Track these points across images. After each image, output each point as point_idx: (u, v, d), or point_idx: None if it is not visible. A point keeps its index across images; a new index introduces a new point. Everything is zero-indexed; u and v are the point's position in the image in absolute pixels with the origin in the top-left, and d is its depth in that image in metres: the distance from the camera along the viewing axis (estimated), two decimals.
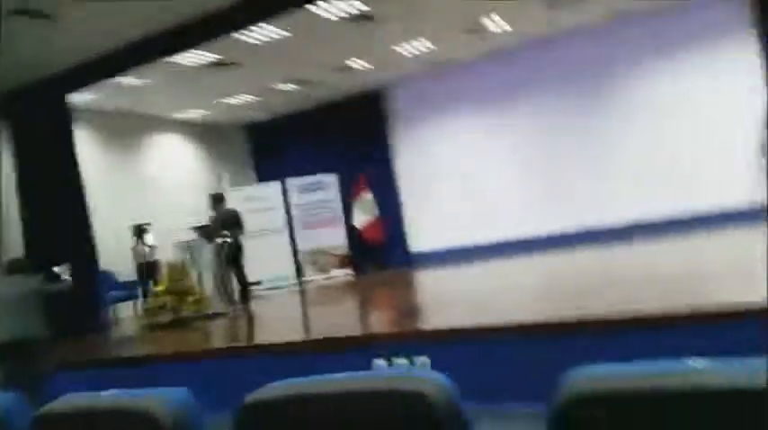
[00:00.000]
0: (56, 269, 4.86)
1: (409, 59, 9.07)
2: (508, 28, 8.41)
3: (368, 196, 10.51)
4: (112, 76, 7.34)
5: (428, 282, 8.37)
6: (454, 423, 0.99)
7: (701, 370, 0.81)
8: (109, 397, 1.24)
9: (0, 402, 1.40)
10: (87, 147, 8.56)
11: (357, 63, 9.02)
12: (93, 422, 1.21)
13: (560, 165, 9.30)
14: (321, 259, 10.31)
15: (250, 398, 1.10)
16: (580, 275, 6.13)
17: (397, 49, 8.61)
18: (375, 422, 0.99)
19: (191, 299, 6.59)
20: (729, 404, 0.77)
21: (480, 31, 8.38)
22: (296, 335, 4.76)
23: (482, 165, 9.87)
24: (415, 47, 8.66)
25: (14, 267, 4.65)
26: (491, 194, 9.73)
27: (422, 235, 10.37)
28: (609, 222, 8.70)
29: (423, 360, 3.84)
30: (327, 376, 1.08)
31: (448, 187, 10.10)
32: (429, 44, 8.64)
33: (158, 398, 1.18)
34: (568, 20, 8.44)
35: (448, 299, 6.03)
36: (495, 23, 8.24)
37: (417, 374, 1.05)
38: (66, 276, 4.87)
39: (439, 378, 1.03)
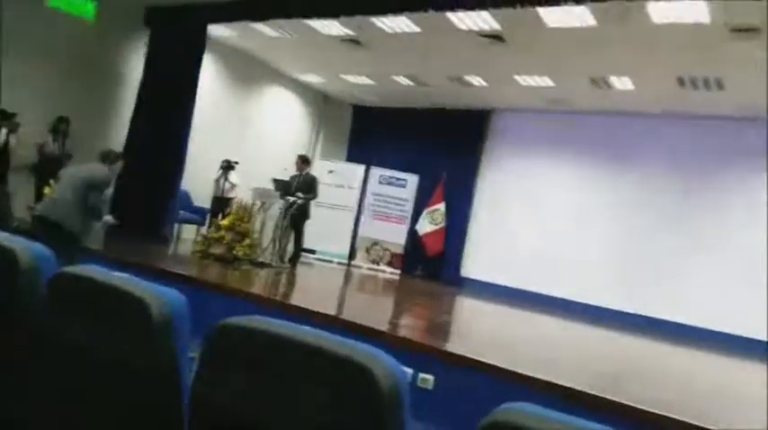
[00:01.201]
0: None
1: (525, 89, 9.00)
2: (632, 88, 8.14)
3: (440, 206, 10.53)
4: (255, 20, 7.79)
5: (466, 308, 8.29)
6: (392, 409, 1.03)
7: None
8: (119, 278, 1.39)
9: (36, 251, 1.60)
10: (209, 77, 9.17)
11: (474, 79, 9.05)
12: (98, 291, 1.37)
13: (647, 244, 8.90)
14: (375, 250, 10.47)
15: (225, 321, 1.20)
16: (618, 359, 5.87)
17: (517, 77, 8.56)
18: (318, 378, 1.06)
19: (246, 242, 6.91)
20: None
21: (605, 85, 8.18)
22: (327, 308, 4.88)
23: (564, 216, 9.61)
24: (536, 80, 8.57)
25: (103, 156, 5.06)
26: (564, 248, 9.46)
27: (478, 261, 10.27)
28: (678, 318, 8.25)
29: (427, 377, 3.84)
30: (301, 326, 1.16)
31: (522, 224, 9.93)
32: (549, 81, 8.52)
33: (157, 293, 1.32)
34: (696, 99, 8.04)
35: (479, 331, 5.97)
36: (622, 83, 8.02)
37: (378, 355, 1.09)
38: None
39: (396, 367, 1.07)
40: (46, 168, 7.40)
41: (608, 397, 3.19)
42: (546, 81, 8.54)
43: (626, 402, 3.11)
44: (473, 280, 10.15)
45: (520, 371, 3.46)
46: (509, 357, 4.04)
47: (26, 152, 7.45)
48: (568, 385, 3.29)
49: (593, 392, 3.23)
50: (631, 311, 8.67)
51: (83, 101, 8.07)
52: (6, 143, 7.02)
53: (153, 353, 1.29)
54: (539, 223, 9.78)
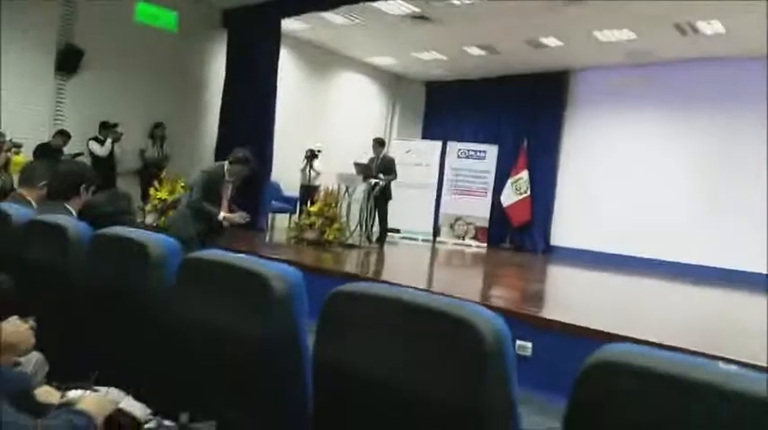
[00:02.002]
0: None
1: (605, 45, 8.56)
2: (723, 32, 7.52)
3: (524, 174, 10.30)
4: (324, 9, 7.96)
5: (559, 276, 8.14)
6: (499, 359, 1.09)
7: (732, 373, 0.83)
8: (240, 258, 1.55)
9: (165, 243, 1.80)
10: (286, 71, 9.49)
11: (550, 40, 8.73)
12: (222, 271, 1.53)
13: (738, 196, 8.28)
14: (459, 225, 10.45)
15: (338, 288, 1.32)
16: (728, 317, 5.57)
17: (596, 33, 8.17)
18: (427, 335, 1.15)
19: (335, 226, 7.18)
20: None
21: (692, 30, 7.61)
22: (417, 283, 5.01)
23: (653, 173, 9.12)
24: (616, 35, 8.14)
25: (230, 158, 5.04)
26: (654, 207, 9.00)
27: (567, 228, 9.98)
28: None
29: (525, 344, 3.86)
30: (406, 289, 1.26)
31: (610, 186, 9.52)
32: (631, 34, 8.06)
33: (276, 269, 1.46)
34: None
35: (574, 297, 5.87)
36: (711, 26, 7.43)
37: (481, 311, 1.15)
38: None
39: (497, 321, 1.13)
40: (148, 172, 8.03)
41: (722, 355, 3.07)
42: (626, 34, 8.08)
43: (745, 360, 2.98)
44: (564, 248, 9.89)
45: (622, 333, 3.40)
46: (609, 321, 3.97)
47: (130, 158, 8.11)
48: (679, 345, 3.19)
49: (706, 351, 3.12)
50: (729, 267, 8.15)
51: (174, 106, 8.63)
52: (112, 152, 7.67)
53: (276, 324, 1.43)
54: (626, 184, 9.35)
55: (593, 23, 7.88)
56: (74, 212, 2.61)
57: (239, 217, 4.98)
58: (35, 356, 1.83)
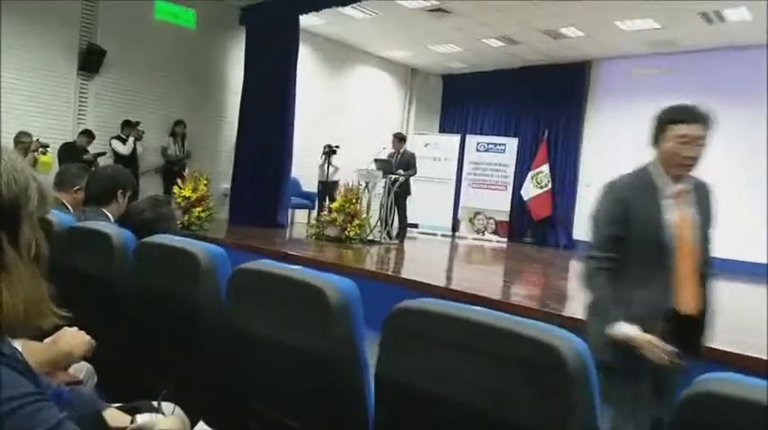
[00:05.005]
0: None
1: (627, 34, 8.42)
2: (750, 19, 7.35)
3: (544, 168, 10.19)
4: (344, 4, 7.90)
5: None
6: (582, 383, 1.05)
7: None
8: (293, 269, 1.52)
9: (214, 252, 1.79)
10: (304, 66, 9.45)
11: (571, 30, 8.60)
12: (276, 284, 1.51)
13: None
14: (479, 220, 10.39)
15: (402, 304, 1.29)
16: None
17: (618, 23, 8.03)
18: (502, 357, 1.12)
19: (356, 222, 7.16)
20: None
21: (717, 18, 7.46)
22: (435, 280, 4.98)
23: None
24: (638, 24, 8.00)
25: None
26: None
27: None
28: None
29: None
30: (470, 306, 1.23)
31: None
32: (655, 24, 7.91)
33: (331, 281, 1.43)
34: None
35: None
36: (738, 14, 7.27)
37: (564, 334, 1.08)
38: None
39: (581, 345, 1.08)
40: (170, 169, 8.07)
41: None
42: (650, 23, 7.94)
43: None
44: (587, 242, 9.75)
45: None
46: None
47: (152, 156, 8.15)
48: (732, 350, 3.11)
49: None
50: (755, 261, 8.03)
51: (194, 103, 8.65)
52: (134, 150, 7.71)
53: (333, 336, 1.40)
54: None
55: (615, 13, 7.75)
56: (112, 218, 2.61)
57: None
58: (84, 366, 1.83)
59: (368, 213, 7.75)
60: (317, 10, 8.04)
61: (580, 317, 3.75)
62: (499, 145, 10.45)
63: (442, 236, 10.15)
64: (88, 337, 1.57)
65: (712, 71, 8.72)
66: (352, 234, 7.09)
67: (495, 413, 1.12)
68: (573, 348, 1.03)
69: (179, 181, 6.99)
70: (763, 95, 8.27)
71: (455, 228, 10.46)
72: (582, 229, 9.97)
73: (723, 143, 8.72)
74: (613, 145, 9.77)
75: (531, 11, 7.90)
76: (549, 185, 10.15)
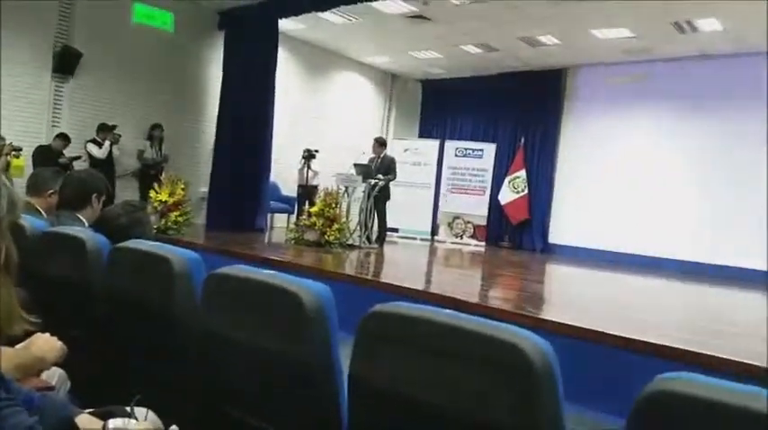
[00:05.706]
0: None
1: (603, 43, 8.59)
2: (721, 29, 7.56)
3: (521, 173, 10.33)
4: (323, 9, 7.92)
5: (558, 275, 8.17)
6: (548, 385, 1.08)
7: None
8: (268, 274, 1.53)
9: (188, 257, 1.79)
10: (283, 70, 9.43)
11: (548, 38, 8.75)
12: (250, 289, 1.52)
13: (743, 195, 8.34)
14: (458, 224, 10.47)
15: (376, 308, 1.31)
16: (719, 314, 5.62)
17: (594, 31, 8.19)
18: (471, 358, 1.15)
19: (336, 226, 7.16)
20: None
21: (690, 28, 7.66)
22: (413, 283, 5.01)
23: (651, 171, 9.17)
24: (613, 32, 8.18)
25: None
26: (652, 204, 9.05)
27: (566, 226, 10.02)
28: None
29: None
30: (442, 309, 1.25)
31: (609, 184, 9.56)
32: (628, 32, 8.10)
33: (305, 286, 1.45)
34: None
35: (571, 296, 5.90)
36: (709, 24, 7.49)
37: (526, 334, 1.11)
38: None
39: (545, 344, 1.11)
40: (147, 173, 7.99)
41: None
42: (624, 32, 8.12)
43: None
44: (563, 246, 9.94)
45: (635, 337, 3.40)
46: (617, 324, 3.98)
47: (128, 160, 8.05)
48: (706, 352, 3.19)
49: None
50: (727, 264, 8.23)
51: (171, 107, 8.57)
52: (110, 154, 7.61)
53: (308, 341, 1.42)
54: (624, 181, 9.39)
55: (590, 22, 7.90)
56: (86, 223, 2.58)
57: None
58: (57, 372, 1.81)
59: (347, 217, 7.76)
60: (296, 14, 8.05)
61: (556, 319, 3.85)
62: (477, 150, 10.56)
63: (422, 240, 10.21)
64: (60, 343, 1.56)
65: (686, 79, 8.93)
66: (331, 238, 7.09)
67: (466, 414, 1.15)
68: (539, 349, 1.06)
69: (156, 185, 6.92)
70: (734, 103, 8.51)
71: (434, 232, 10.53)
72: (558, 233, 10.14)
73: (691, 151, 8.98)
74: (589, 151, 9.96)
75: (508, 19, 8.02)
76: (526, 190, 10.28)
